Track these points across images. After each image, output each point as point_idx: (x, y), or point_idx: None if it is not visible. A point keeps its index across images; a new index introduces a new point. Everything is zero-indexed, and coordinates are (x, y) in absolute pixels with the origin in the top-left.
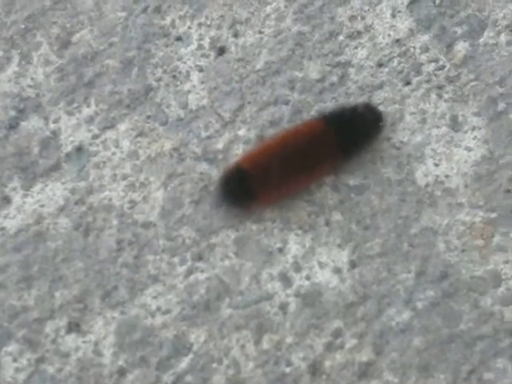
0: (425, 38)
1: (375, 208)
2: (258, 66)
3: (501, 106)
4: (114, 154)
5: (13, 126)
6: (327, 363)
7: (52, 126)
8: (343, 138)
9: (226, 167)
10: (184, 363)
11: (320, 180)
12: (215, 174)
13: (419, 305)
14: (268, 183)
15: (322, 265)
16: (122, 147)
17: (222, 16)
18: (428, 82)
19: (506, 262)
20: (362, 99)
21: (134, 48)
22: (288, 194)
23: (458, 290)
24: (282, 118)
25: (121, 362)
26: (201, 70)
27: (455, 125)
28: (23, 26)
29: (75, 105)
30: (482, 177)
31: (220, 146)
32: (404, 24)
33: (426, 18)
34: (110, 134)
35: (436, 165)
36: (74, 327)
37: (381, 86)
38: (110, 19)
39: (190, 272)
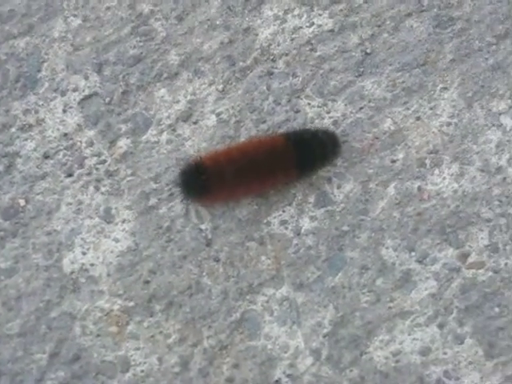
0: (91, 133)
1: (21, 291)
2: None
3: (152, 200)
4: None
5: None
6: None
7: None
8: (300, 155)
9: (189, 161)
10: None
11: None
12: None
13: None
14: (223, 181)
15: None
16: None
17: None
18: (89, 174)
19: (137, 348)
20: (24, 188)
21: None
22: (241, 195)
23: (88, 372)
24: None
25: None
26: None
27: (108, 216)
28: None
29: None
30: (125, 267)
31: None
32: (73, 119)
33: (94, 115)
34: None
35: (84, 253)
36: None
37: (44, 177)
38: None
39: None
